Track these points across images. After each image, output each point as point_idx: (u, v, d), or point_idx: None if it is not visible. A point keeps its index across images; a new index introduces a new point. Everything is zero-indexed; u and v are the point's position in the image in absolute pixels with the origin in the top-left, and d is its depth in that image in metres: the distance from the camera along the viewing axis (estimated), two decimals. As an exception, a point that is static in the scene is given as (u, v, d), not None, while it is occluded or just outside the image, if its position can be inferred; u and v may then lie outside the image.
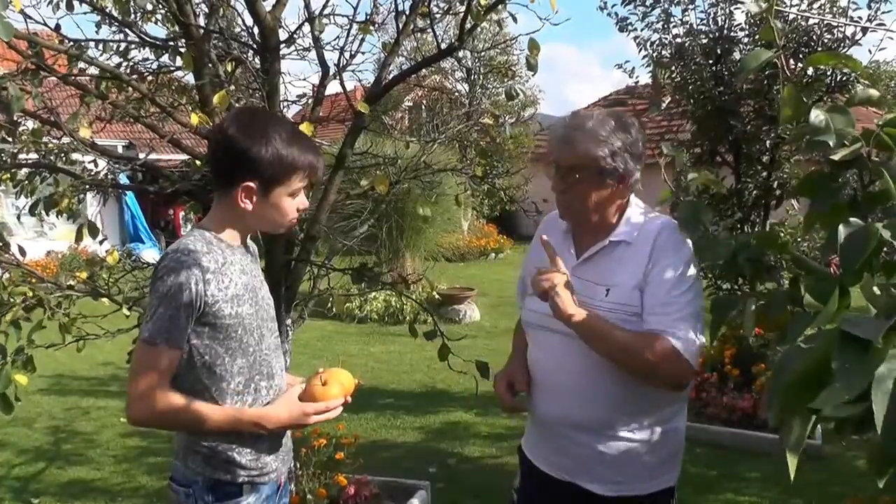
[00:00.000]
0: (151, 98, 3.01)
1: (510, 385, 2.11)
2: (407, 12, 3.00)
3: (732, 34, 5.59)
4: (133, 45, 3.26)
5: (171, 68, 3.45)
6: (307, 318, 3.48)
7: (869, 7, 5.09)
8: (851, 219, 1.20)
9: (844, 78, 5.16)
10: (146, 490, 4.50)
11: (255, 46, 3.09)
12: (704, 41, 5.58)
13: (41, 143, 2.91)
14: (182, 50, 2.96)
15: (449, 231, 12.54)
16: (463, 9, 2.79)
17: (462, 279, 11.36)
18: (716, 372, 5.57)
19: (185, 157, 3.35)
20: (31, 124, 2.93)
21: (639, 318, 1.90)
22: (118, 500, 4.38)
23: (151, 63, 3.44)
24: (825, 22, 5.19)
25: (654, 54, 5.82)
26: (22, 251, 3.11)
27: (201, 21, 2.93)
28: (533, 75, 2.85)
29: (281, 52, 2.94)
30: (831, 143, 1.23)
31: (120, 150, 11.66)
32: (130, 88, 3.06)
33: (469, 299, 9.84)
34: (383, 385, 6.75)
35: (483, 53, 16.57)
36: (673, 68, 5.69)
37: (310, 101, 3.35)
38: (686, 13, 5.69)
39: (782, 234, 1.70)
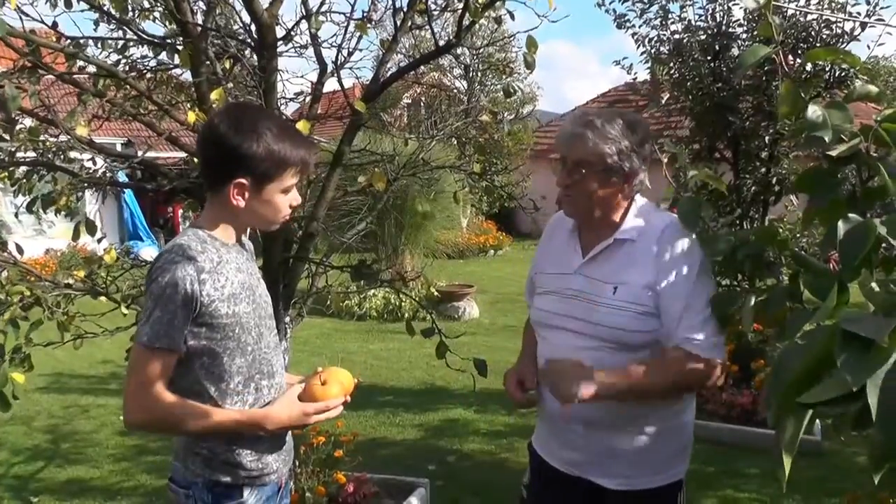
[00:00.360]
0: (149, 96, 3.01)
1: (520, 382, 2.14)
2: (405, 9, 2.99)
3: (731, 30, 5.59)
4: (131, 43, 3.25)
5: (169, 66, 3.44)
6: (306, 315, 3.47)
7: (867, 2, 5.08)
8: (850, 215, 1.20)
9: (843, 74, 5.16)
10: (145, 489, 4.49)
11: (252, 44, 3.08)
12: (703, 37, 5.58)
13: (39, 141, 2.91)
14: (180, 47, 2.95)
15: (448, 228, 12.53)
16: (461, 6, 2.78)
17: (461, 276, 11.35)
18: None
19: (183, 154, 3.35)
20: (29, 122, 2.93)
21: (649, 316, 1.93)
22: (117, 498, 4.38)
23: (149, 61, 3.44)
24: (824, 17, 5.18)
25: (653, 51, 5.82)
26: (20, 249, 3.11)
27: (199, 18, 2.92)
28: (530, 72, 2.85)
29: (278, 50, 2.93)
30: (827, 139, 1.23)
31: (119, 148, 11.64)
32: (128, 86, 3.05)
33: (468, 296, 9.84)
34: (382, 382, 6.75)
35: (481, 50, 16.54)
36: (671, 65, 5.69)
37: (307, 98, 3.35)
38: (684, 9, 5.70)
39: (781, 231, 1.70)
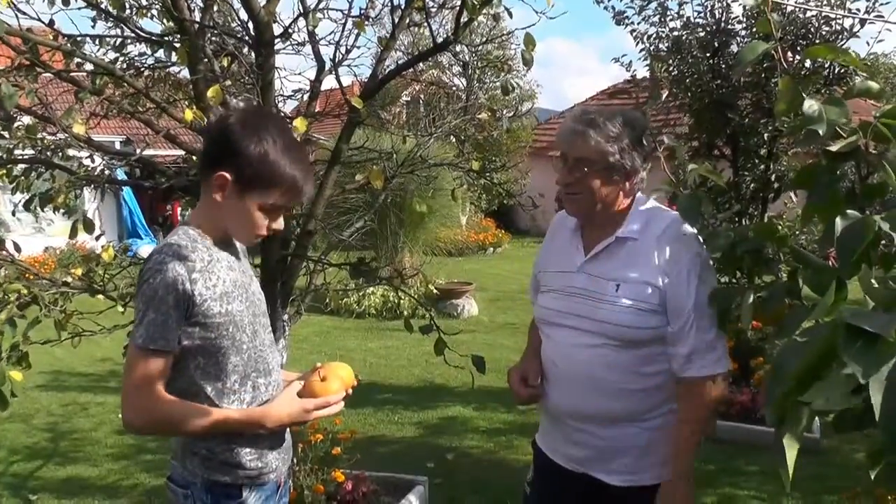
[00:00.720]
0: (146, 94, 3.00)
1: (524, 379, 2.15)
2: (402, 6, 2.99)
3: (730, 27, 5.58)
4: (129, 41, 3.24)
5: (167, 63, 3.44)
6: (304, 313, 3.47)
7: (867, -1, 5.08)
8: (849, 211, 1.20)
9: (843, 70, 5.15)
10: (144, 487, 4.49)
11: (249, 41, 3.07)
12: (701, 34, 5.57)
13: (37, 138, 2.90)
14: (177, 45, 2.95)
15: (447, 226, 12.53)
16: (458, 3, 2.77)
17: (460, 274, 11.34)
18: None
19: (181, 152, 3.34)
20: (26, 120, 2.92)
21: (652, 313, 1.95)
22: (116, 496, 4.38)
23: (147, 58, 3.43)
24: (823, 14, 5.17)
25: (652, 48, 5.80)
26: (17, 247, 3.10)
27: (196, 16, 2.92)
28: (528, 70, 2.85)
29: (276, 47, 2.93)
30: (821, 132, 1.23)
31: (117, 145, 11.62)
32: (126, 84, 3.05)
33: (467, 294, 9.83)
34: (381, 380, 6.74)
35: (480, 48, 16.52)
36: (670, 62, 5.68)
37: (305, 96, 3.34)
38: (682, 6, 5.69)
39: (780, 227, 1.70)
